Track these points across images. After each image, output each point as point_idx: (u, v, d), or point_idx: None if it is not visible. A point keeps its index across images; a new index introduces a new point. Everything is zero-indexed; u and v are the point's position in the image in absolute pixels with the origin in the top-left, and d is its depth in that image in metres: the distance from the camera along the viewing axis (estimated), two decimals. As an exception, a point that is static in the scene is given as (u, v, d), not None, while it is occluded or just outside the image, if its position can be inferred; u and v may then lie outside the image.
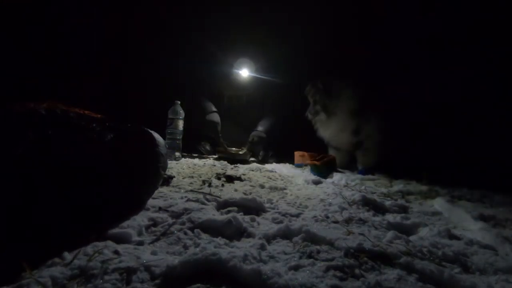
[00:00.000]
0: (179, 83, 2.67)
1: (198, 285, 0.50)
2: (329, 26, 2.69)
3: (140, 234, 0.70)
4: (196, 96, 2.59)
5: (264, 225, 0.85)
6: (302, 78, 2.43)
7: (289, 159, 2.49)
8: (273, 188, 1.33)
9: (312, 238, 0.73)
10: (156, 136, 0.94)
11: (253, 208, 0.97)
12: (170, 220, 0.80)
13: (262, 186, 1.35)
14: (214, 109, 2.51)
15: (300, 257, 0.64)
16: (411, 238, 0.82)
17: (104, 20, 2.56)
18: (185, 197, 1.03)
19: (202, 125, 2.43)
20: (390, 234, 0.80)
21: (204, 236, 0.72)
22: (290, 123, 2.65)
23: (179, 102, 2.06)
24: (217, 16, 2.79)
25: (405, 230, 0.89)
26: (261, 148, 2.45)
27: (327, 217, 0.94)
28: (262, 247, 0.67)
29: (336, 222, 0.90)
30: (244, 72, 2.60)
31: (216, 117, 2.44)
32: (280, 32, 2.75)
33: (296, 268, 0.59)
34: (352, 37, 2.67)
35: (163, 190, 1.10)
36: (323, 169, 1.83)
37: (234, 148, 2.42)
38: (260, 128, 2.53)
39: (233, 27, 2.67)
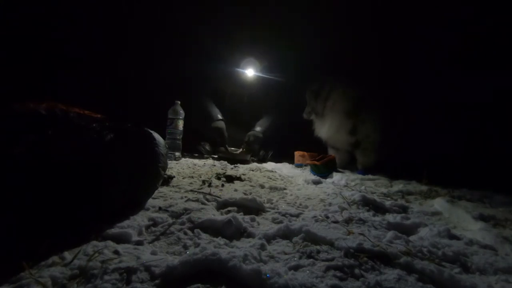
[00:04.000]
0: (182, 81, 2.65)
1: (198, 285, 0.50)
2: (330, 26, 2.69)
3: (140, 234, 0.70)
4: (201, 97, 2.58)
5: (264, 225, 0.85)
6: (304, 78, 2.43)
7: (289, 159, 2.49)
8: (273, 188, 1.33)
9: (312, 238, 0.73)
10: (156, 136, 0.94)
11: (253, 208, 0.97)
12: (170, 220, 0.80)
13: (262, 186, 1.35)
14: (220, 116, 2.51)
15: (300, 257, 0.64)
16: (411, 238, 0.82)
17: (107, 18, 2.55)
18: (185, 197, 1.03)
19: (208, 130, 2.44)
20: (390, 234, 0.80)
21: (204, 236, 0.72)
22: (291, 123, 2.65)
23: (179, 102, 2.06)
24: (222, 14, 2.76)
25: (405, 230, 0.89)
26: (258, 147, 2.45)
27: (327, 217, 0.94)
28: (262, 247, 0.67)
29: (336, 222, 0.90)
30: (250, 72, 2.60)
31: (222, 125, 2.46)
32: (284, 31, 2.73)
33: (296, 268, 0.59)
34: (353, 37, 2.66)
35: (163, 190, 1.10)
36: (323, 169, 1.82)
37: (233, 148, 2.42)
38: (257, 128, 2.53)
39: (239, 26, 2.66)
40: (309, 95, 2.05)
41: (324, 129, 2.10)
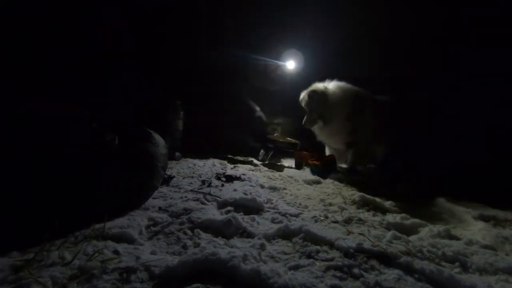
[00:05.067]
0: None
1: (198, 285, 0.50)
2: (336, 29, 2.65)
3: (140, 233, 0.71)
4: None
5: (263, 225, 0.85)
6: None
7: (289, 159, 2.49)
8: (273, 188, 1.33)
9: (311, 238, 0.73)
10: (156, 136, 0.94)
11: (253, 208, 0.97)
12: (170, 220, 0.80)
13: (262, 186, 1.35)
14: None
15: (300, 257, 0.64)
16: (411, 238, 0.82)
17: (110, 14, 2.49)
18: (185, 197, 1.03)
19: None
20: (390, 234, 0.80)
21: (204, 236, 0.72)
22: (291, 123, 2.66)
23: (179, 102, 2.07)
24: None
25: (405, 230, 0.89)
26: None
27: (327, 217, 0.94)
28: (262, 247, 0.67)
29: (336, 222, 0.90)
30: (291, 64, 2.61)
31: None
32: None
33: (295, 268, 0.59)
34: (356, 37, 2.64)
35: (163, 190, 1.10)
36: (323, 169, 1.82)
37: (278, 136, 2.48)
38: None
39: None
40: (313, 101, 2.01)
41: (327, 132, 2.09)
